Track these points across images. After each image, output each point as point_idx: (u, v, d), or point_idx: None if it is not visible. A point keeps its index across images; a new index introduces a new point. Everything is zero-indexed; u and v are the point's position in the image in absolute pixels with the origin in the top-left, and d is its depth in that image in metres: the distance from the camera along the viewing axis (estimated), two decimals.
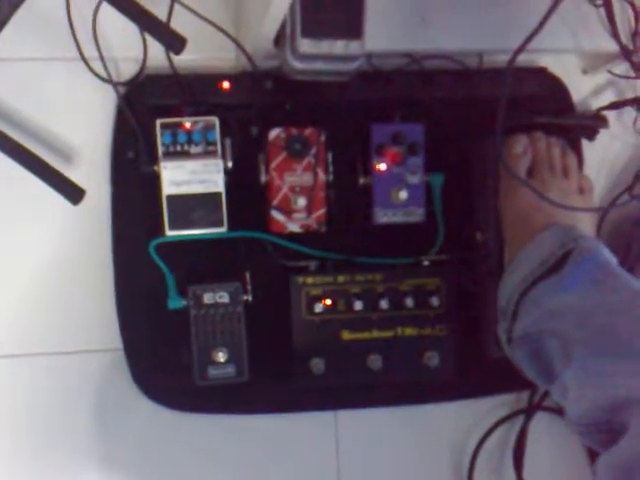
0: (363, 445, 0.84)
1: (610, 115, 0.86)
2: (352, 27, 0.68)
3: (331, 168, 0.79)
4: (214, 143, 0.76)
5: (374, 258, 0.81)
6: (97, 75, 0.76)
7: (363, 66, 0.71)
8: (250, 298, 0.78)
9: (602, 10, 0.81)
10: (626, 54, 0.82)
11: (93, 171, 0.78)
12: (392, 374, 0.80)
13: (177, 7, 0.73)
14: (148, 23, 0.67)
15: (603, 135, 0.87)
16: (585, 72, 0.89)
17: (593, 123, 0.85)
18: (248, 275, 0.79)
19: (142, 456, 0.80)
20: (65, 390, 0.78)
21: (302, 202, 0.77)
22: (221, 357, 0.76)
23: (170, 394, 0.79)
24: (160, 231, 0.76)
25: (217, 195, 0.76)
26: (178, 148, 0.76)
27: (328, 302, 0.79)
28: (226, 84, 0.79)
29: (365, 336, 0.79)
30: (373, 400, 0.83)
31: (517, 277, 0.73)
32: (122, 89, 0.77)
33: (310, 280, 0.78)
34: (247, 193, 0.79)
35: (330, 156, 0.78)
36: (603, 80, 0.89)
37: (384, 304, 0.79)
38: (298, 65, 0.71)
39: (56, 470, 0.79)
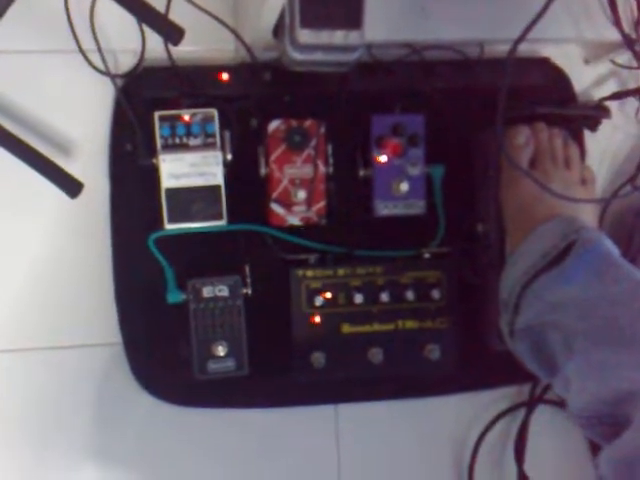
0: (364, 439, 0.84)
1: (612, 105, 0.86)
2: (351, 17, 0.67)
3: (331, 160, 0.78)
4: (213, 135, 0.75)
5: (374, 251, 0.81)
6: (95, 67, 0.76)
7: (363, 57, 0.70)
8: (250, 291, 0.78)
9: None
10: (629, 43, 0.81)
11: (91, 164, 0.77)
12: (393, 367, 0.80)
13: None
14: (146, 14, 0.67)
15: (605, 126, 0.86)
16: (587, 62, 0.88)
17: (595, 114, 0.85)
18: (248, 268, 0.78)
19: (142, 451, 0.80)
20: (64, 385, 0.78)
21: (302, 195, 0.77)
22: (221, 351, 0.76)
23: (170, 388, 0.79)
24: (159, 224, 0.75)
25: (216, 188, 0.75)
26: (177, 140, 0.75)
27: (328, 295, 0.78)
28: (225, 76, 0.78)
29: (366, 329, 0.79)
30: (374, 394, 0.83)
31: (519, 269, 0.73)
32: (120, 81, 0.77)
33: (310, 273, 0.78)
34: (247, 186, 0.78)
35: (330, 148, 0.78)
36: (605, 70, 0.88)
37: (385, 297, 0.78)
38: (297, 56, 0.70)
39: (55, 465, 0.79)
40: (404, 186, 0.78)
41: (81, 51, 0.75)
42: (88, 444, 0.79)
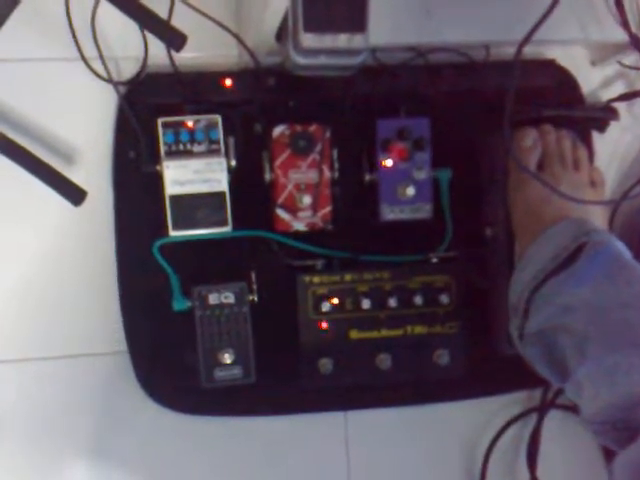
0: (373, 446, 0.83)
1: (620, 107, 0.85)
2: (355, 20, 0.67)
3: (336, 165, 0.78)
4: (217, 141, 0.75)
5: (381, 256, 0.80)
6: (97, 75, 0.75)
7: (367, 61, 0.70)
8: (256, 298, 0.77)
9: None
10: (636, 44, 0.81)
11: (94, 172, 0.77)
12: (401, 373, 0.79)
13: (177, 4, 0.72)
14: (148, 21, 0.67)
15: (613, 127, 0.85)
16: (594, 64, 0.87)
17: (603, 115, 0.85)
18: (253, 275, 0.78)
19: (147, 458, 0.79)
20: (70, 394, 0.78)
21: (307, 200, 0.76)
22: (227, 358, 0.75)
23: (175, 396, 0.78)
24: (164, 231, 0.75)
25: (221, 194, 0.75)
26: (180, 147, 0.75)
27: (335, 301, 0.78)
28: (228, 81, 0.78)
29: (374, 335, 0.78)
30: (383, 400, 0.82)
31: (528, 274, 0.72)
32: (123, 88, 0.77)
33: (317, 279, 0.77)
34: (251, 192, 0.78)
35: (335, 153, 0.78)
36: (613, 71, 0.88)
37: (392, 302, 0.78)
38: (301, 60, 0.69)
39: (61, 473, 0.78)
40: (410, 190, 0.77)
41: (83, 58, 0.75)
42: (93, 451, 0.78)
